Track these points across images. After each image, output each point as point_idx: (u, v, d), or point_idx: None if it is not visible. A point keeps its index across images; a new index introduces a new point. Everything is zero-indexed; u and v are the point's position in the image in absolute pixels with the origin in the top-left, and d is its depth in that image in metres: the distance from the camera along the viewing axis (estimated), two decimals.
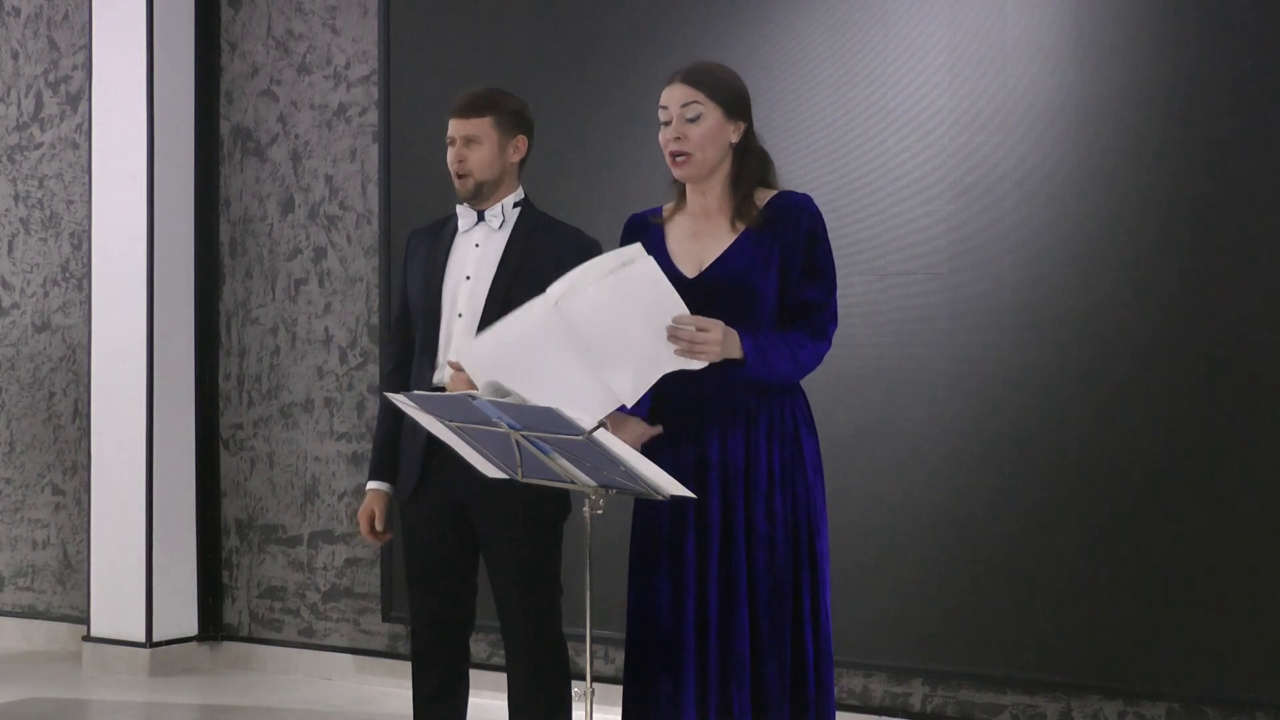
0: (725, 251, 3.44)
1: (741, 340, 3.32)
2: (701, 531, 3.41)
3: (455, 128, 3.94)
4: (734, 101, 3.47)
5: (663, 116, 3.47)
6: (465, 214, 3.99)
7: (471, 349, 3.39)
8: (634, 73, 5.55)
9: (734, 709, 3.36)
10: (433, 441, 3.76)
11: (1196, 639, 4.63)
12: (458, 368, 3.73)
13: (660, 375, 3.34)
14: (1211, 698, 4.64)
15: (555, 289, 3.23)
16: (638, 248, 3.25)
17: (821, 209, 3.52)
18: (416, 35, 6.05)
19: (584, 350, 3.25)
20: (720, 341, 3.28)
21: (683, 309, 3.28)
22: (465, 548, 3.97)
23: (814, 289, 3.44)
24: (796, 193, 3.51)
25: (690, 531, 3.41)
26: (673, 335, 3.25)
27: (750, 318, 3.38)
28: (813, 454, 3.48)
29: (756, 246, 3.42)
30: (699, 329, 3.26)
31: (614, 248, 3.47)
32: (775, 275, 3.41)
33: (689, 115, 3.43)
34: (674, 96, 3.46)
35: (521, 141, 3.99)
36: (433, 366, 3.93)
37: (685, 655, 3.38)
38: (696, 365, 3.31)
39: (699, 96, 3.43)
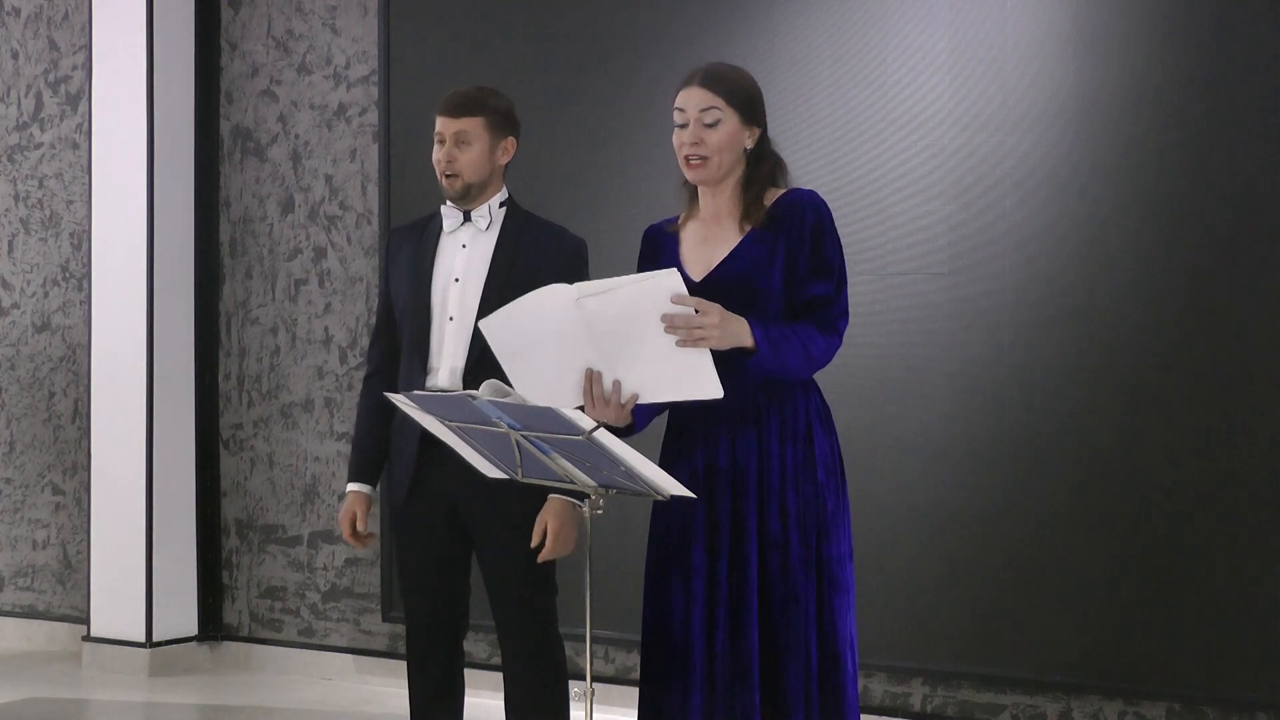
0: (730, 253, 3.40)
1: (751, 329, 3.24)
2: (711, 537, 3.37)
3: (444, 126, 3.88)
4: (751, 107, 3.42)
5: (678, 119, 3.40)
6: (450, 214, 3.94)
7: (485, 321, 3.32)
8: (634, 73, 5.55)
9: (740, 712, 3.35)
10: (426, 443, 3.75)
11: (1196, 639, 4.63)
12: None
13: (662, 398, 3.27)
14: (1211, 698, 4.64)
15: (581, 287, 3.17)
16: (672, 271, 3.17)
17: None
18: (416, 35, 6.05)
19: (591, 345, 3.23)
20: (719, 325, 3.17)
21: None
22: (458, 549, 3.95)
23: (821, 283, 3.37)
24: (804, 189, 3.46)
25: (699, 538, 3.37)
26: (670, 324, 3.15)
27: (756, 316, 3.32)
28: (825, 454, 3.40)
29: (760, 245, 3.38)
30: (697, 311, 3.15)
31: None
32: (780, 273, 3.36)
33: (707, 120, 3.37)
34: (692, 100, 3.39)
35: (511, 143, 3.95)
36: (424, 370, 3.88)
37: (693, 665, 3.35)
38: (697, 395, 3.21)
39: (718, 102, 3.38)
